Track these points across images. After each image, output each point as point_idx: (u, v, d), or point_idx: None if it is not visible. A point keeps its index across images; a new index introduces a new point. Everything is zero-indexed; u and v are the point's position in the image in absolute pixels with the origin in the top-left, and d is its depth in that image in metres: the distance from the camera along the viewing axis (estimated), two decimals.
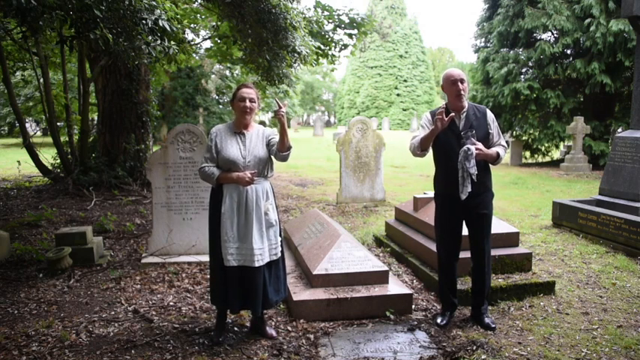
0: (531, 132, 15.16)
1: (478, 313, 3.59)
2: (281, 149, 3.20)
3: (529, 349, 3.20)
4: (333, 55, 11.14)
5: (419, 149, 3.41)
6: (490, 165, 3.50)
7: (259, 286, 3.20)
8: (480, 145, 3.28)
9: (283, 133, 3.14)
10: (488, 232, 3.52)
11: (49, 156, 9.70)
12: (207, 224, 3.35)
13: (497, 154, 3.38)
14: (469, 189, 3.28)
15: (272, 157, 3.31)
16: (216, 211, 3.24)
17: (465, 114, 3.40)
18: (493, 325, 3.47)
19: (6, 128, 25.53)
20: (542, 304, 3.94)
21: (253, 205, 3.18)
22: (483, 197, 3.46)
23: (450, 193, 3.42)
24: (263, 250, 3.19)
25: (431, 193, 5.37)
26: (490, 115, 3.49)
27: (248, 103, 3.22)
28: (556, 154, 16.83)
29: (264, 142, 3.30)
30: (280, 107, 3.07)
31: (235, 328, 3.51)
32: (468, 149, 3.23)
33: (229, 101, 3.32)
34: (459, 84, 3.32)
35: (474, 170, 3.24)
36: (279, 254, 3.35)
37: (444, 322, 3.56)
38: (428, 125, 3.44)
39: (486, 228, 3.51)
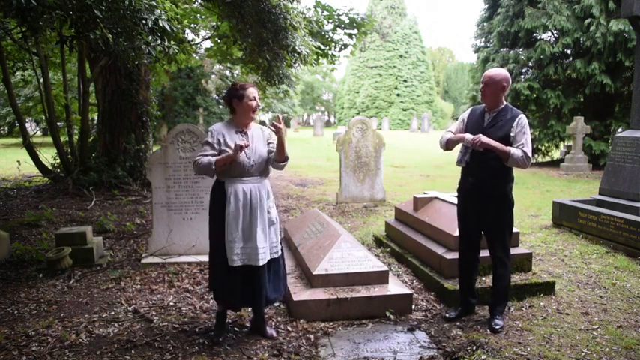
0: (531, 132, 15.13)
1: (490, 313, 3.63)
2: (278, 160, 3.28)
3: (529, 349, 3.20)
4: (333, 55, 11.15)
5: (444, 146, 3.70)
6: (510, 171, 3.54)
7: (263, 284, 3.24)
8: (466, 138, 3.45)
9: (281, 147, 3.22)
10: (498, 237, 3.53)
11: (49, 156, 9.70)
12: (207, 224, 3.36)
13: (509, 151, 3.35)
14: (466, 158, 3.52)
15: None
16: (218, 211, 3.23)
17: (494, 114, 3.53)
18: (496, 327, 3.46)
19: (6, 128, 25.52)
20: (542, 304, 3.94)
21: (257, 205, 3.21)
22: (496, 200, 3.48)
23: (462, 187, 3.64)
24: (266, 248, 3.24)
25: (431, 193, 5.37)
26: (520, 121, 3.43)
27: (258, 102, 3.31)
28: (556, 154, 16.82)
29: (265, 141, 3.35)
30: (279, 128, 3.15)
31: (235, 328, 3.51)
32: None
33: (229, 99, 3.30)
34: (482, 86, 3.54)
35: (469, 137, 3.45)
36: (280, 252, 3.39)
37: (452, 315, 3.65)
38: (462, 124, 3.69)
39: (497, 232, 3.53)
